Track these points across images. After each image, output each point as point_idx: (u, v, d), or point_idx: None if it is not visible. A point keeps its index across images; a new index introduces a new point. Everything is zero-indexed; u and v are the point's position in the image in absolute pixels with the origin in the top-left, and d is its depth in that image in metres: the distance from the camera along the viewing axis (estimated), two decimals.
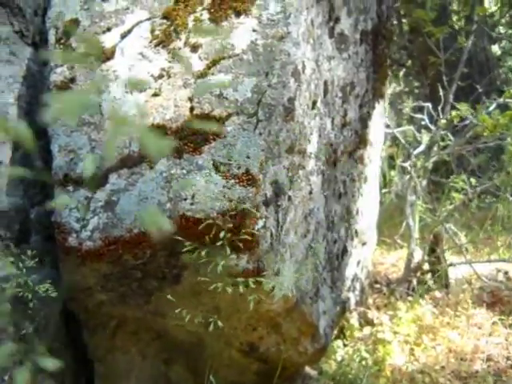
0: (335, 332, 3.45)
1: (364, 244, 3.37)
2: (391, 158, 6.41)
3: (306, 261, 2.29)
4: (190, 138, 1.78)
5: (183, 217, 1.72)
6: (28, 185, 2.27)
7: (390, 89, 6.02)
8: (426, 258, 3.77)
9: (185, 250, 1.82)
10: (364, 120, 2.81)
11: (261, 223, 1.80)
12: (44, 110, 1.65)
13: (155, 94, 1.86)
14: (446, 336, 3.12)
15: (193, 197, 1.72)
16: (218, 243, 1.79)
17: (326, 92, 2.29)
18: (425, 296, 3.61)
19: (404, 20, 9.08)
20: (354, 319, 3.49)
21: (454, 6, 5.73)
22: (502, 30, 7.53)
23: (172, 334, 2.35)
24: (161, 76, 1.88)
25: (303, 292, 2.25)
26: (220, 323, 2.17)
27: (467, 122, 4.14)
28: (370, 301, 3.86)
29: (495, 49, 8.60)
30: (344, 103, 2.52)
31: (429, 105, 5.32)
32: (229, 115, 1.81)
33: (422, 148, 4.82)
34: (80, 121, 1.85)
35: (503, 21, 7.15)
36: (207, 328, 2.24)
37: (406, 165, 4.24)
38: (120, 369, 2.37)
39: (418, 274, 3.96)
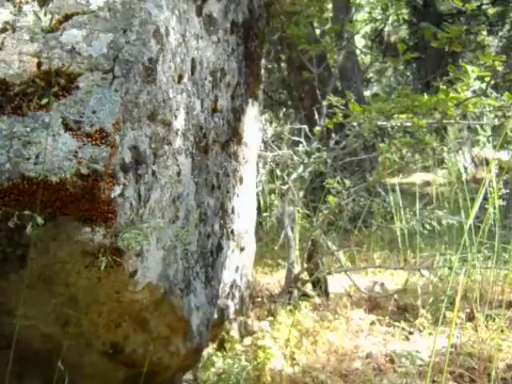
0: (214, 346, 3.27)
1: (242, 249, 3.25)
2: (270, 182, 6.45)
3: (175, 250, 2.11)
4: (36, 93, 1.57)
5: (25, 178, 1.49)
6: None
7: (271, 129, 6.11)
8: (304, 265, 3.72)
9: (29, 223, 1.58)
10: (237, 112, 2.73)
11: (118, 190, 1.61)
12: None
13: None
14: (325, 338, 3.04)
15: (37, 156, 1.51)
16: (69, 213, 1.58)
17: (193, 70, 2.17)
18: (305, 303, 3.54)
19: (281, 55, 9.39)
20: (234, 331, 3.33)
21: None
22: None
23: (24, 341, 2.04)
24: (4, 30, 1.67)
25: (172, 282, 2.06)
26: (78, 319, 1.94)
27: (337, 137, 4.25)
28: (251, 314, 3.72)
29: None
30: (214, 89, 2.42)
31: (305, 127, 5.43)
32: (81, 71, 1.63)
33: (300, 170, 4.87)
34: None
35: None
36: (64, 326, 1.99)
37: (284, 175, 4.23)
38: None
39: (299, 284, 3.90)
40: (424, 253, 4.85)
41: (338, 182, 3.34)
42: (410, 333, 3.26)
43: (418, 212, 4.24)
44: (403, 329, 3.25)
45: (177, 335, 2.19)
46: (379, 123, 2.95)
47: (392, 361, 2.78)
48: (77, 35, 1.68)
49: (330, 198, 3.32)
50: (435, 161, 5.62)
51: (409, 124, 2.63)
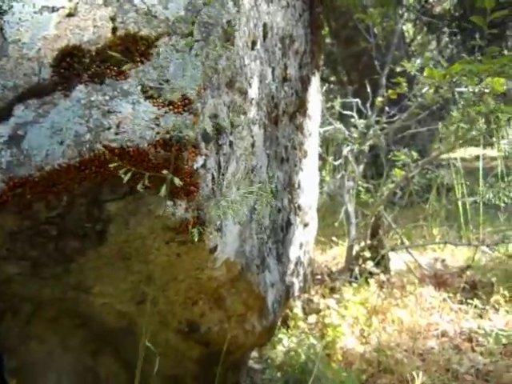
0: (278, 323, 3.20)
1: (306, 225, 3.15)
2: (321, 158, 6.31)
3: (250, 224, 2.03)
4: (113, 60, 1.49)
5: (106, 149, 1.42)
6: None
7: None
8: (368, 242, 3.59)
9: (109, 197, 1.52)
10: (304, 82, 2.61)
11: (200, 161, 1.53)
12: None
13: (70, 14, 1.56)
14: (395, 316, 2.93)
15: (118, 126, 1.43)
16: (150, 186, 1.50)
17: (265, 36, 2.06)
18: (369, 280, 3.43)
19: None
20: (297, 308, 3.25)
21: None
22: None
23: (99, 318, 2.01)
24: None
25: (248, 258, 1.98)
26: (155, 297, 1.88)
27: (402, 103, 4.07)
28: (312, 291, 3.64)
29: None
30: (284, 57, 2.30)
31: (357, 100, 5.24)
32: (159, 35, 1.53)
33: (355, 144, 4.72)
34: None
35: None
36: (140, 304, 1.93)
37: (344, 150, 4.09)
38: (36, 362, 2.00)
39: (360, 261, 3.79)
40: (487, 228, 4.67)
41: (405, 155, 3.19)
42: (483, 310, 3.11)
43: (481, 187, 4.05)
44: (475, 306, 3.11)
45: (252, 313, 2.11)
46: (457, 90, 2.78)
47: (470, 339, 2.66)
48: None
49: (397, 172, 3.18)
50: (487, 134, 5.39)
51: (487, 90, 2.46)
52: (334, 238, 5.13)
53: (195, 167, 1.51)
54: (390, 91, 3.59)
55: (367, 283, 3.41)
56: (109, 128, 1.43)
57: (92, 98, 1.45)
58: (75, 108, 1.45)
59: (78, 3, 1.58)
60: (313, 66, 2.79)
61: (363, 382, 2.32)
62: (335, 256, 4.72)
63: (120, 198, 1.52)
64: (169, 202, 1.53)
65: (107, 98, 1.45)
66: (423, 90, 3.81)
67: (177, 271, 1.75)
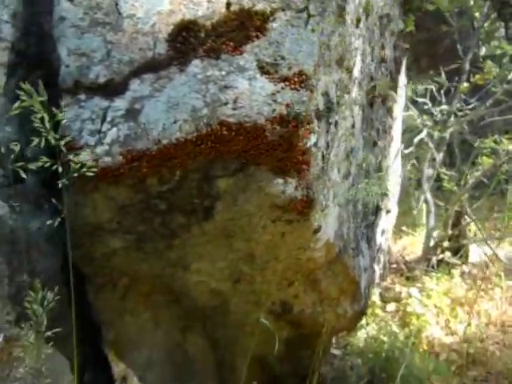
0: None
1: (388, 212, 3.08)
2: None
3: (347, 207, 1.99)
4: (228, 35, 1.48)
5: (223, 124, 1.40)
6: (24, 119, 1.93)
7: None
8: (449, 232, 3.49)
9: (220, 173, 1.51)
10: (397, 63, 2.54)
11: (313, 139, 1.50)
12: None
13: None
14: (481, 307, 2.83)
15: (235, 101, 1.41)
16: (262, 162, 1.48)
17: (367, 14, 2.00)
18: (451, 270, 3.33)
19: None
20: (375, 296, 3.20)
21: None
22: None
23: (192, 296, 2.02)
24: None
25: (346, 241, 1.95)
26: (252, 276, 1.87)
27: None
28: (389, 280, 3.57)
29: None
30: (381, 36, 2.24)
31: (432, 87, 5.08)
32: (274, 10, 1.51)
33: (425, 133, 4.59)
34: (93, 20, 1.54)
35: None
36: (236, 283, 1.93)
37: (423, 136, 3.98)
38: (130, 336, 2.03)
39: (438, 251, 3.69)
40: None
41: (494, 142, 3.07)
42: None
43: None
44: None
45: (346, 297, 2.08)
46: None
47: None
48: None
49: (484, 160, 3.06)
50: None
51: None
52: (403, 228, 5.02)
53: (308, 145, 1.48)
54: (477, 76, 3.46)
55: (448, 273, 3.31)
56: (226, 103, 1.41)
57: (208, 73, 1.45)
58: (191, 83, 1.44)
59: None
60: (403, 48, 2.71)
61: (453, 372, 2.26)
62: (406, 245, 4.62)
63: (230, 175, 1.52)
64: (279, 180, 1.51)
65: (223, 73, 1.44)
66: (510, 76, 3.65)
67: (279, 250, 1.73)
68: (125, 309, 2.00)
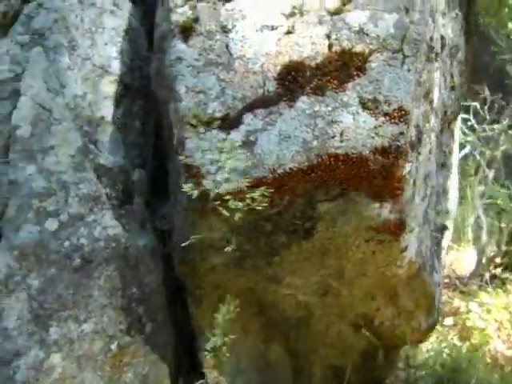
0: None
1: (446, 229, 3.21)
2: None
3: (424, 226, 2.14)
4: (332, 74, 1.65)
5: (331, 155, 1.57)
6: (129, 145, 2.14)
7: None
8: (503, 248, 3.60)
9: (323, 198, 1.68)
10: (462, 89, 2.68)
11: (408, 167, 1.66)
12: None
13: (288, 32, 1.73)
14: None
15: (341, 134, 1.58)
16: (361, 189, 1.65)
17: (442, 47, 2.16)
18: (507, 286, 3.44)
19: None
20: None
21: None
22: None
23: (279, 308, 2.18)
24: (292, 14, 1.76)
25: (424, 258, 2.09)
26: (339, 290, 2.02)
27: None
28: (443, 294, 3.68)
29: None
30: (451, 66, 2.39)
31: (476, 104, 5.20)
32: (371, 51, 1.67)
33: (468, 148, 4.70)
34: (207, 61, 1.72)
35: None
36: (323, 296, 2.09)
37: (467, 151, 4.10)
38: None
39: (491, 266, 3.79)
40: None
41: None
42: None
43: None
44: None
45: (421, 311, 2.22)
46: None
47: None
48: (361, 16, 1.72)
49: None
50: None
51: None
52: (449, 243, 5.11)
53: (404, 173, 1.64)
54: None
55: (503, 289, 3.42)
56: (333, 136, 1.58)
57: (315, 109, 1.62)
58: (300, 117, 1.62)
59: (294, 22, 1.75)
60: (466, 73, 2.85)
61: None
62: (452, 261, 4.71)
63: (332, 200, 1.68)
64: (376, 204, 1.68)
65: (330, 108, 1.61)
66: None
67: (368, 267, 1.89)
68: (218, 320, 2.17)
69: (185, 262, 1.94)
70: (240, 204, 1.59)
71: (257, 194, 1.57)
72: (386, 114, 1.60)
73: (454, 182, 3.21)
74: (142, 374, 1.99)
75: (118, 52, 2.11)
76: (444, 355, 2.74)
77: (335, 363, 2.43)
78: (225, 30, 1.76)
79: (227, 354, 2.10)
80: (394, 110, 1.60)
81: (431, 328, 2.39)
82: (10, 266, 1.72)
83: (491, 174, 3.93)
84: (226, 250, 1.77)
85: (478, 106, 5.16)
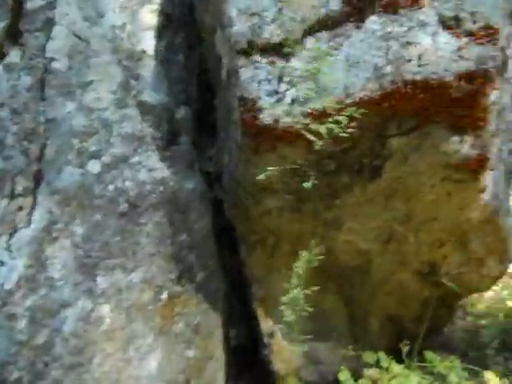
0: None
1: None
2: None
3: (499, 166, 1.93)
4: None
5: (408, 82, 1.37)
6: (172, 81, 1.96)
7: None
8: None
9: (395, 132, 1.49)
10: None
11: (493, 96, 1.45)
12: None
13: None
14: None
15: (419, 58, 1.38)
16: (439, 120, 1.45)
17: None
18: None
19: None
20: None
21: None
22: None
23: (335, 255, 2.03)
24: None
25: (500, 201, 1.89)
26: (404, 236, 1.86)
27: None
28: None
29: None
30: None
31: None
32: None
33: None
34: None
35: None
36: (385, 243, 1.93)
37: None
38: (277, 293, 2.07)
39: None
40: None
41: None
42: None
43: None
44: None
45: (493, 257, 2.04)
46: None
47: None
48: None
49: None
50: None
51: None
52: None
53: (489, 102, 1.44)
54: None
55: None
56: (409, 60, 1.38)
57: (388, 30, 1.41)
58: (370, 40, 1.41)
59: None
60: None
61: None
62: None
63: (404, 133, 1.49)
64: (456, 138, 1.48)
65: (404, 29, 1.40)
66: None
67: (440, 211, 1.71)
68: (272, 267, 2.04)
69: (237, 205, 1.79)
70: (323, 128, 1.39)
71: (344, 116, 1.36)
72: (470, 34, 1.39)
73: None
74: (194, 324, 1.88)
75: None
76: (508, 303, 2.57)
77: (393, 312, 2.29)
78: None
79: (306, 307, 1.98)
80: (480, 28, 1.38)
81: (501, 275, 2.21)
82: (52, 212, 1.60)
83: None
84: (277, 192, 1.62)
85: None
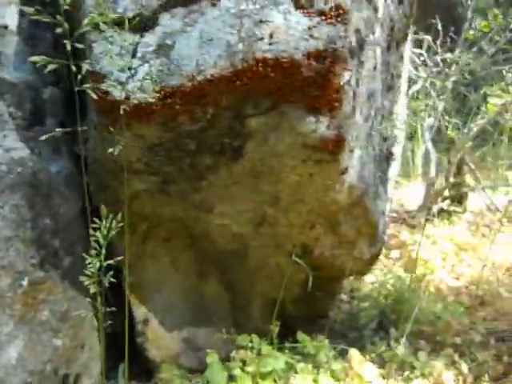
0: None
1: (393, 160, 3.09)
2: None
3: (367, 150, 1.98)
4: None
5: (259, 60, 1.37)
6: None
7: None
8: (451, 180, 3.52)
9: (252, 111, 1.49)
10: (411, 8, 2.49)
11: (347, 76, 1.48)
12: None
13: None
14: (485, 253, 2.89)
15: (271, 36, 1.38)
16: (295, 100, 1.46)
17: None
18: (453, 218, 3.38)
19: None
20: None
21: None
22: None
23: (211, 240, 2.02)
24: None
25: (367, 184, 1.95)
26: (275, 219, 1.87)
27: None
28: (391, 227, 3.61)
29: None
30: None
31: (429, 37, 5.05)
32: None
33: (419, 84, 4.58)
34: None
35: None
36: (258, 226, 1.93)
37: (418, 87, 3.98)
38: (150, 280, 2.04)
39: (439, 200, 3.73)
40: None
41: (501, 90, 3.07)
42: None
43: None
44: None
45: (363, 240, 2.10)
46: None
47: None
48: None
49: (489, 107, 3.07)
50: None
51: None
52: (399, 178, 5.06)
53: (342, 82, 1.46)
54: (482, 23, 3.43)
55: (449, 221, 3.36)
56: (261, 38, 1.38)
57: (242, 7, 1.40)
58: (225, 17, 1.40)
59: None
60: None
61: (462, 312, 2.31)
62: (401, 196, 4.66)
63: (262, 113, 1.50)
64: (312, 118, 1.50)
65: (258, 6, 1.40)
66: None
67: (305, 192, 1.73)
68: (145, 253, 2.00)
69: (102, 188, 1.74)
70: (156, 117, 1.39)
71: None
72: (321, 13, 1.40)
73: (401, 109, 3.07)
74: (61, 312, 1.81)
75: None
76: (388, 286, 2.66)
77: (274, 296, 2.31)
78: None
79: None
80: (331, 8, 1.40)
81: (374, 258, 2.28)
82: None
83: (441, 106, 3.81)
84: (141, 173, 1.59)
85: (431, 40, 5.01)
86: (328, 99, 1.46)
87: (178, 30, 1.41)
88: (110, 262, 1.28)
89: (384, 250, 3.23)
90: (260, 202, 1.79)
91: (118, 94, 1.38)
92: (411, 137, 4.98)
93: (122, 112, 1.34)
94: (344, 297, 2.93)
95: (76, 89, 1.31)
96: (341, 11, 1.39)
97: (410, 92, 4.57)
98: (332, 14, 1.39)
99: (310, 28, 1.39)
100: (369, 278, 2.96)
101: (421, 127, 4.07)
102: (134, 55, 1.40)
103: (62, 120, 1.90)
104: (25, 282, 1.70)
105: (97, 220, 1.28)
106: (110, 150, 1.31)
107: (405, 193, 4.66)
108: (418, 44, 5.29)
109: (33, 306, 1.74)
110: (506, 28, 3.61)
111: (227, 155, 1.59)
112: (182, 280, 2.13)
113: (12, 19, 1.81)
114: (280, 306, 2.38)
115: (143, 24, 1.43)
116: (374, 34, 1.80)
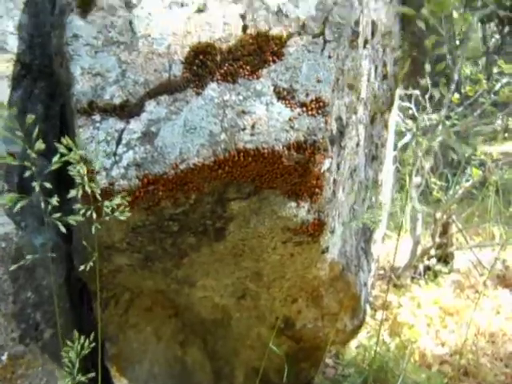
0: None
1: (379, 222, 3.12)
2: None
3: (349, 224, 2.01)
4: (245, 59, 1.48)
5: (241, 150, 1.41)
6: (28, 134, 1.91)
7: None
8: (437, 240, 3.55)
9: (234, 196, 1.52)
10: (395, 79, 2.56)
11: (327, 164, 1.51)
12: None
13: (199, 10, 1.55)
14: (470, 318, 2.89)
15: (253, 127, 1.42)
16: (276, 187, 1.50)
17: (373, 33, 2.02)
18: (438, 279, 3.39)
19: None
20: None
21: None
22: None
23: (194, 310, 2.02)
24: None
25: (348, 259, 1.97)
26: (257, 293, 1.88)
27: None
28: (377, 287, 3.61)
29: None
30: (384, 54, 2.26)
31: (417, 92, 5.15)
32: (290, 35, 1.51)
33: (408, 137, 4.65)
34: (106, 40, 1.52)
35: None
36: (240, 299, 1.94)
37: (407, 140, 4.05)
38: (133, 350, 2.03)
39: (425, 258, 3.75)
40: None
41: (484, 154, 3.13)
42: None
43: None
44: None
45: (346, 312, 2.11)
46: None
47: None
48: None
49: (474, 171, 3.12)
50: None
51: None
52: (387, 232, 5.08)
53: (322, 170, 1.50)
54: (467, 88, 3.51)
55: (434, 281, 3.37)
56: (243, 129, 1.42)
57: (225, 98, 1.45)
58: (208, 107, 1.44)
59: None
60: (402, 61, 2.74)
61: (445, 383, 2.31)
62: (389, 251, 4.66)
63: (244, 198, 1.52)
64: (292, 204, 1.53)
65: (241, 97, 1.44)
66: (496, 87, 3.74)
67: (286, 270, 1.75)
68: (127, 324, 2.00)
69: (87, 261, 1.74)
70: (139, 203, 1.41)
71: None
72: (302, 105, 1.45)
73: (389, 174, 3.12)
74: None
75: (16, 27, 1.87)
76: (372, 352, 2.65)
77: (257, 365, 2.30)
78: (129, 6, 1.56)
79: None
80: (312, 100, 1.44)
81: (357, 329, 2.28)
82: None
83: (428, 164, 3.86)
84: (124, 251, 1.60)
85: (420, 95, 5.11)
86: (308, 186, 1.50)
87: (162, 117, 1.45)
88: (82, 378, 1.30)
89: (369, 311, 3.23)
90: (242, 277, 1.81)
91: (103, 180, 1.40)
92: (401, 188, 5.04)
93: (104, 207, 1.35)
94: (329, 361, 2.91)
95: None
96: (321, 104, 1.44)
97: (400, 145, 4.65)
98: (313, 106, 1.44)
99: (291, 119, 1.43)
100: (353, 343, 2.95)
101: (409, 182, 4.11)
102: (119, 142, 1.43)
103: (50, 192, 1.92)
104: (4, 357, 1.70)
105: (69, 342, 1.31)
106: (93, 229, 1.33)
107: (390, 248, 4.67)
108: (408, 97, 5.40)
109: (10, 381, 1.73)
110: (490, 91, 3.70)
111: (210, 236, 1.61)
112: (165, 350, 2.12)
113: (4, 93, 1.85)
114: (263, 375, 2.37)
115: (129, 110, 1.46)
116: (356, 113, 1.85)
